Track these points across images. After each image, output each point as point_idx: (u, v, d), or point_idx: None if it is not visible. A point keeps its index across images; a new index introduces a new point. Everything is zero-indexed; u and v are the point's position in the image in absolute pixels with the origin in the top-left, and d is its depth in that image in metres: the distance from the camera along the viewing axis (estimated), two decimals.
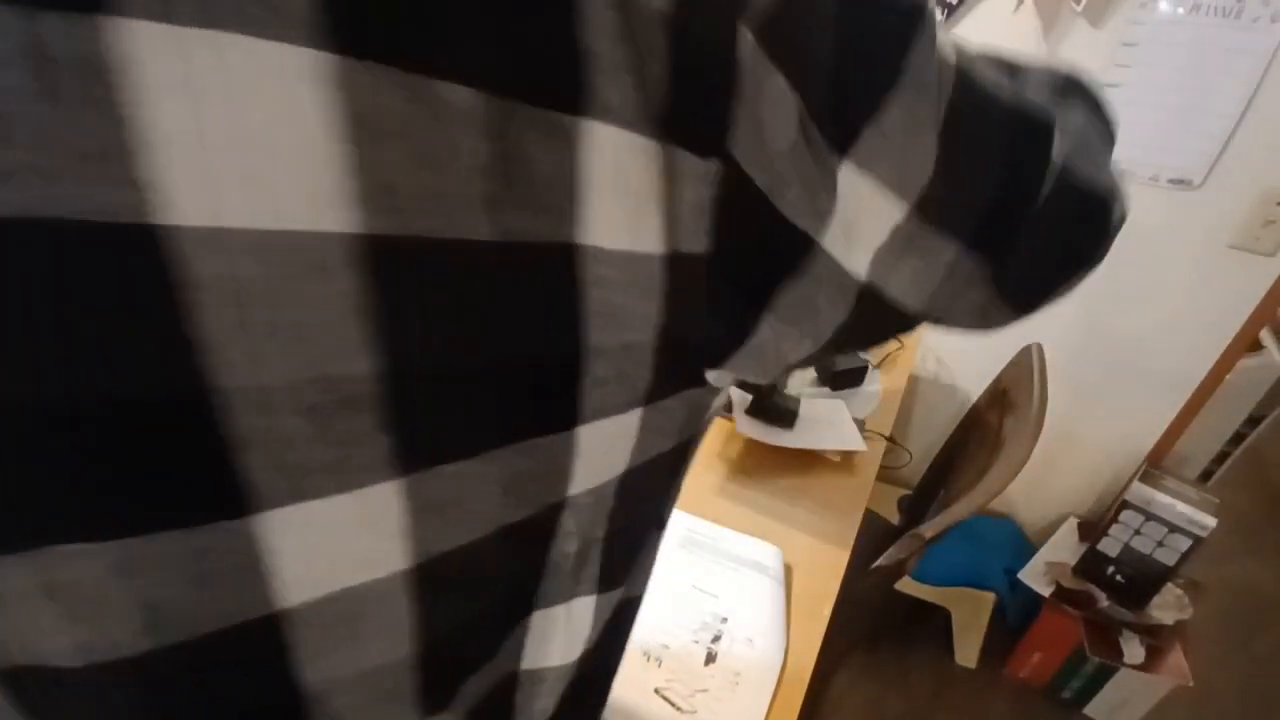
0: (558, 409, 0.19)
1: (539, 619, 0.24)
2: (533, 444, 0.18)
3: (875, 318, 0.24)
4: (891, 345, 1.22)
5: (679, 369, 0.21)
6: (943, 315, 0.27)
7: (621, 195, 0.16)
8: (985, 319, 0.30)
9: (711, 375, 0.22)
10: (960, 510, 0.81)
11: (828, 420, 1.01)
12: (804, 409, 1.00)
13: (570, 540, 0.22)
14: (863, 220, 0.20)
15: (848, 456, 0.95)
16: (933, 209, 0.21)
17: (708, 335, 0.21)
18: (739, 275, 0.20)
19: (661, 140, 0.16)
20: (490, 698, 0.24)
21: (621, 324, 0.18)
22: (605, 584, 0.26)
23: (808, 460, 0.95)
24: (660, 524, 0.29)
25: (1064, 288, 0.31)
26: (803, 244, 0.20)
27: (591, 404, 0.19)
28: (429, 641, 0.20)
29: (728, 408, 1.01)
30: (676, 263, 0.18)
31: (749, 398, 0.99)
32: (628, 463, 0.22)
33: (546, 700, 0.27)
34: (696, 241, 0.18)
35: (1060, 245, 0.28)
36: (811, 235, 0.20)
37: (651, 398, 0.21)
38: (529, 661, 0.25)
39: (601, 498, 0.22)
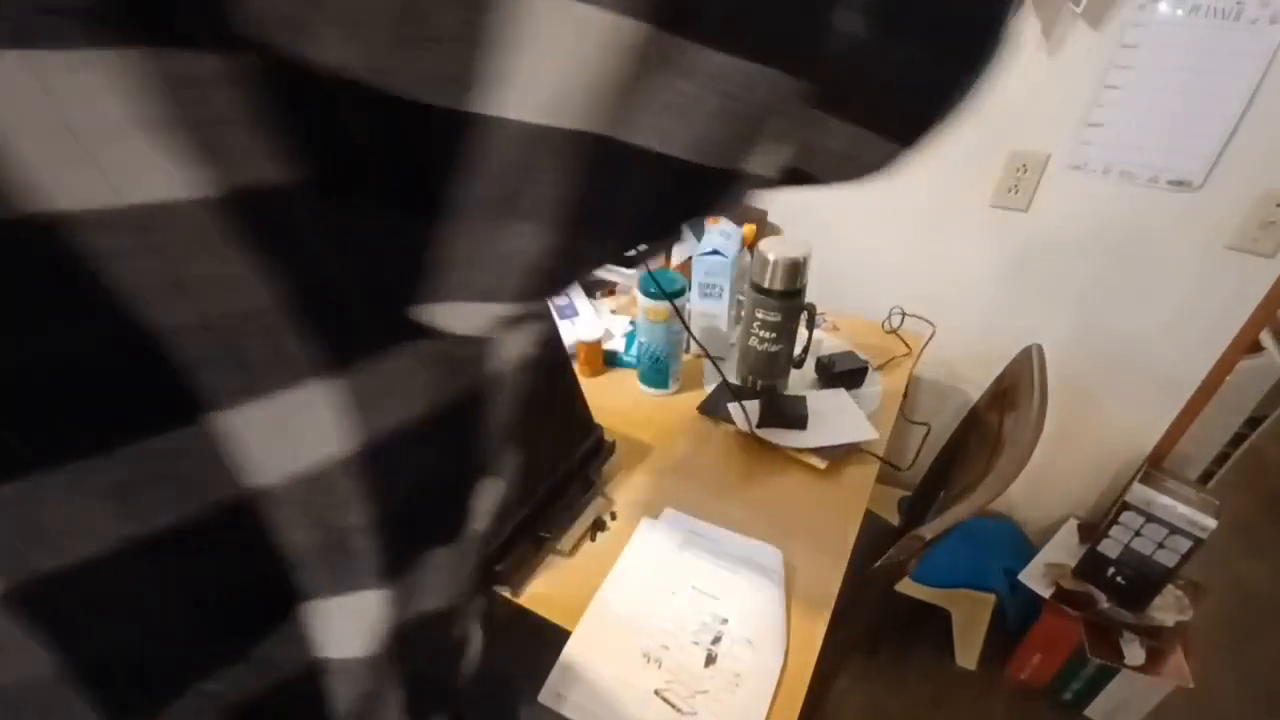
0: (157, 404, 0.16)
1: (315, 611, 0.22)
2: (138, 448, 0.16)
3: (645, 179, 0.18)
4: (900, 349, 1.22)
5: (362, 323, 0.18)
6: (781, 161, 0.21)
7: (79, 137, 0.12)
8: (851, 158, 0.24)
9: (439, 315, 0.19)
10: (960, 511, 0.81)
11: (837, 413, 1.01)
12: (812, 404, 1.01)
13: (302, 532, 0.20)
14: (567, 56, 0.15)
15: (836, 463, 0.95)
16: (670, 12, 0.15)
17: (375, 274, 0.17)
18: (380, 189, 0.16)
19: (114, 45, 0.11)
20: (281, 689, 0.23)
21: (192, 295, 0.15)
22: (396, 573, 0.24)
23: (808, 460, 0.95)
24: (464, 501, 0.26)
25: (950, 95, 0.24)
26: (461, 122, 0.15)
27: (219, 388, 0.16)
28: (82, 661, 0.18)
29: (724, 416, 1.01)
30: (250, 202, 0.14)
31: (755, 415, 0.99)
32: (356, 439, 0.19)
33: (357, 689, 0.25)
34: (270, 167, 0.14)
35: (918, 32, 0.21)
36: (473, 109, 0.15)
37: (341, 363, 0.18)
38: (327, 650, 0.24)
39: (328, 481, 0.20)
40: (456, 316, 0.19)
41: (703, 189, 0.20)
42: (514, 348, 0.25)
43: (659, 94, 0.16)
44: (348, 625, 0.24)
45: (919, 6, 0.21)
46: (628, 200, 0.19)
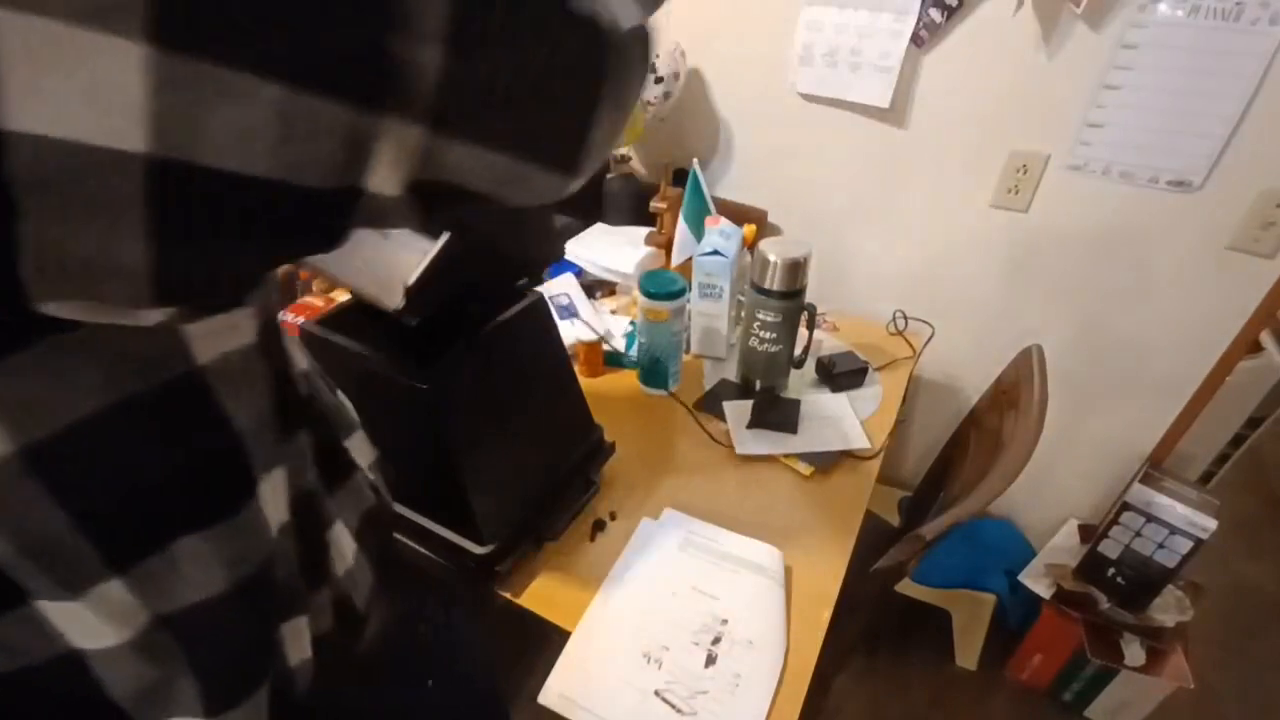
0: None
1: (52, 610, 0.24)
2: None
3: (240, 195, 0.19)
4: (900, 350, 1.22)
5: None
6: (401, 180, 0.23)
7: None
8: (513, 183, 0.26)
9: (73, 312, 0.19)
10: (961, 512, 0.81)
11: (834, 418, 1.01)
12: (807, 408, 1.01)
13: None
14: (93, 76, 0.15)
15: (828, 467, 0.95)
16: (176, 33, 0.16)
17: None
18: None
19: None
20: (38, 670, 0.25)
21: None
22: (129, 564, 0.25)
23: (794, 466, 0.95)
24: (216, 490, 0.28)
25: (578, 123, 0.26)
26: None
27: None
28: None
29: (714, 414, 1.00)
30: None
31: (748, 414, 0.99)
32: (10, 441, 0.21)
33: (128, 675, 0.27)
34: None
35: (514, 62, 0.23)
36: None
37: None
38: (77, 641, 0.25)
39: None
40: (97, 314, 0.20)
41: (323, 204, 0.21)
42: (221, 341, 0.26)
43: (218, 119, 0.17)
44: (90, 618, 0.25)
45: (503, 34, 0.22)
46: (229, 214, 0.20)
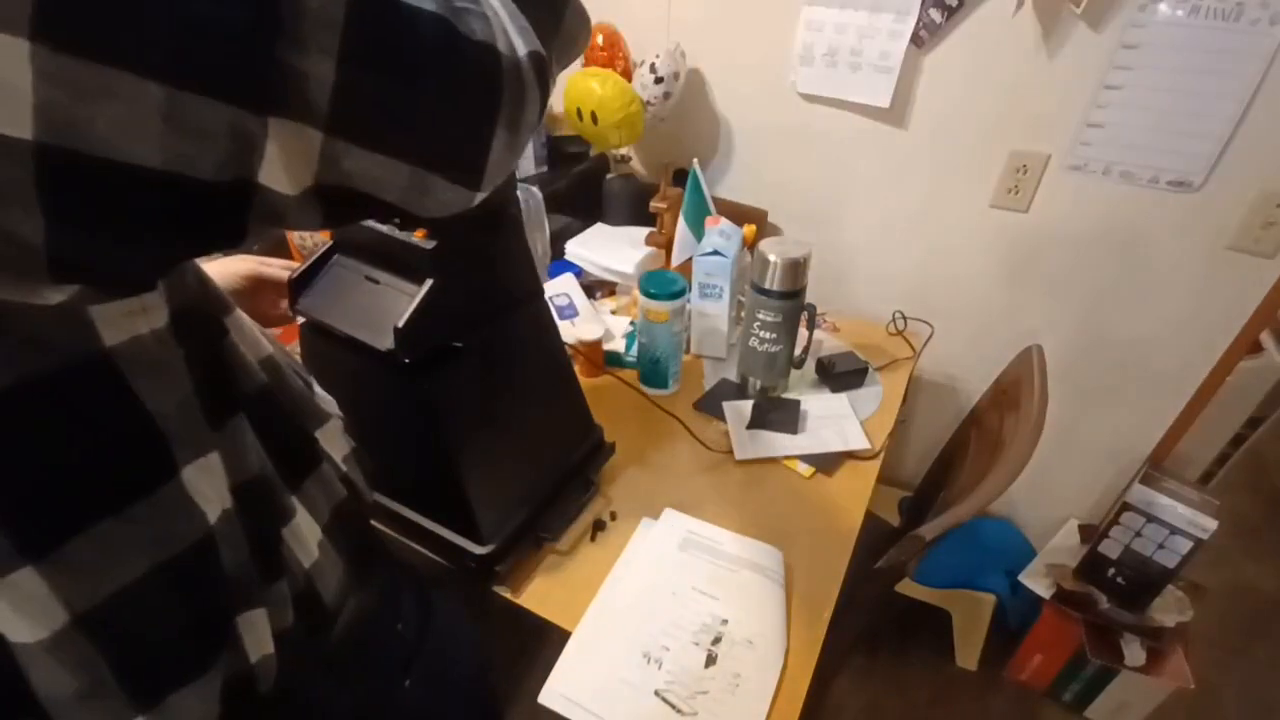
0: None
1: None
2: None
3: (131, 185, 0.20)
4: (900, 350, 1.22)
5: None
6: (301, 181, 0.24)
7: None
8: (418, 192, 0.27)
9: None
10: (961, 512, 0.81)
11: (834, 418, 1.01)
12: (807, 408, 1.01)
13: None
14: None
15: (829, 467, 0.95)
16: (59, 32, 0.17)
17: None
18: None
19: None
20: None
21: None
22: (42, 550, 0.26)
23: (794, 466, 0.95)
24: (132, 474, 0.28)
25: (475, 137, 0.27)
26: None
27: None
28: None
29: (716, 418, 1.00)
30: None
31: (748, 415, 0.99)
32: None
33: (49, 674, 0.27)
34: None
35: (423, 84, 0.24)
36: None
37: None
38: (10, 635, 0.26)
39: None
40: None
41: (217, 197, 0.22)
42: (130, 324, 0.27)
43: (102, 113, 0.18)
44: (4, 609, 0.25)
45: (399, 55, 0.23)
46: (122, 200, 0.20)
